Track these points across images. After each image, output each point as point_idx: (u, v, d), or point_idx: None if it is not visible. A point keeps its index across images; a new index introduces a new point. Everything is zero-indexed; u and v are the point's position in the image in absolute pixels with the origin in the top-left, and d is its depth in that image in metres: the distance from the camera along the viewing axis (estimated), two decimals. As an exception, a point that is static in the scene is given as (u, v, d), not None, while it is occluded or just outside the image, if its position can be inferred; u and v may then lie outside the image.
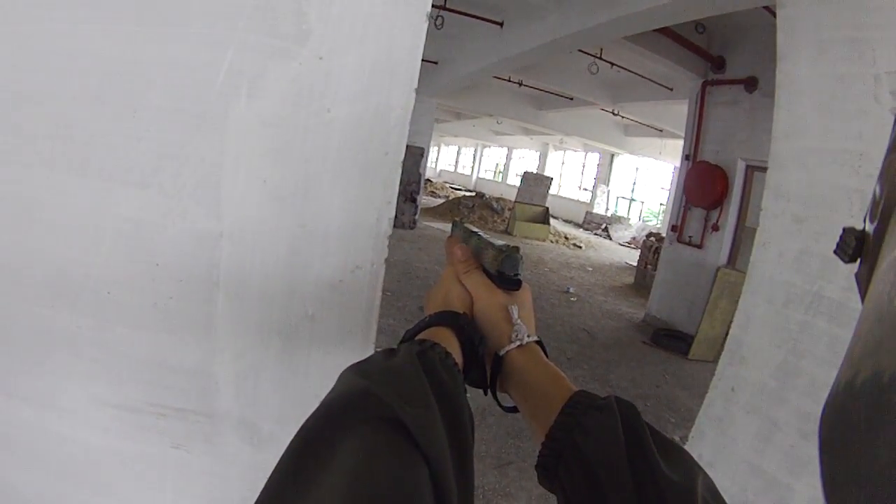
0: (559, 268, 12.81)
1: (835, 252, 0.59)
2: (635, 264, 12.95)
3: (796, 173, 3.49)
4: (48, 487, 1.36)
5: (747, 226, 8.31)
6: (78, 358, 1.22)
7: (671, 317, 9.16)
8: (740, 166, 8.28)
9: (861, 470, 0.34)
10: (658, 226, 18.91)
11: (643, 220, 22.63)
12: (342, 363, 1.32)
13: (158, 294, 1.18)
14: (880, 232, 0.49)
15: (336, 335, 1.29)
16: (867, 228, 0.54)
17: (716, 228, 8.55)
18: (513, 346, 0.89)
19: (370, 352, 1.31)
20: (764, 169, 6.52)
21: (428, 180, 24.24)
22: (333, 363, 1.31)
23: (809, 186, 3.36)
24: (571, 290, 10.84)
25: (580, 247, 16.80)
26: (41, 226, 1.13)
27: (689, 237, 9.01)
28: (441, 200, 22.29)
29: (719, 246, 8.49)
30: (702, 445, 4.25)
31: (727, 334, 4.20)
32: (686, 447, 4.45)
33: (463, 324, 0.89)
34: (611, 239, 20.03)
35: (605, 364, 7.44)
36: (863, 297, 0.50)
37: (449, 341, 0.83)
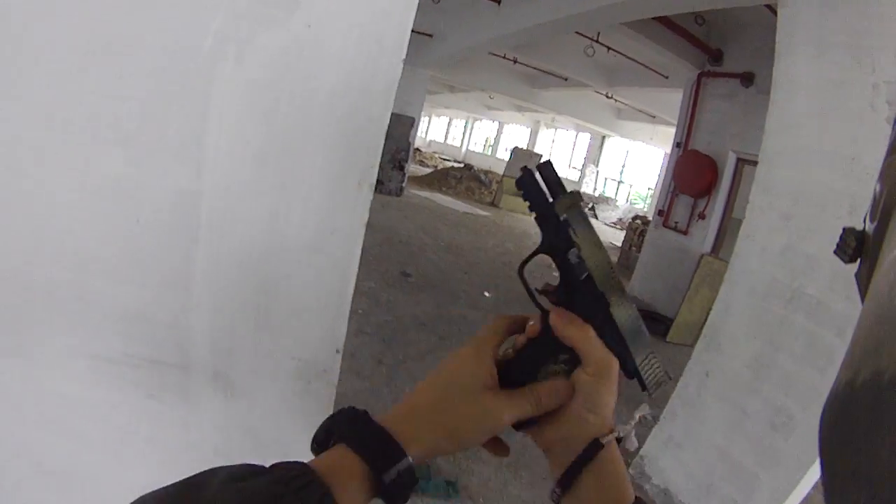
0: (543, 244, 12.75)
1: (835, 252, 0.58)
2: (619, 245, 12.94)
3: (786, 171, 3.54)
4: (25, 436, 1.38)
5: (734, 217, 8.35)
6: (57, 310, 1.23)
7: (652, 299, 9.24)
8: (731, 158, 8.30)
9: (861, 470, 0.33)
10: (645, 209, 18.97)
11: (630, 203, 22.70)
12: (317, 323, 1.34)
13: (138, 249, 1.20)
14: (880, 232, 0.48)
15: (313, 296, 1.30)
16: (867, 228, 0.54)
17: (702, 217, 8.58)
18: (613, 435, 0.72)
19: (345, 313, 1.33)
20: (754, 163, 6.52)
21: (417, 150, 24.10)
22: (308, 322, 1.33)
23: (799, 184, 3.40)
24: (555, 264, 10.77)
25: (565, 226, 16.82)
26: (24, 181, 1.14)
27: (676, 223, 9.05)
28: (429, 170, 22.16)
29: (704, 234, 8.53)
30: (673, 426, 4.36)
31: (706, 321, 4.26)
32: (657, 427, 4.57)
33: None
34: (597, 218, 20.04)
35: (585, 339, 7.48)
36: (863, 297, 0.49)
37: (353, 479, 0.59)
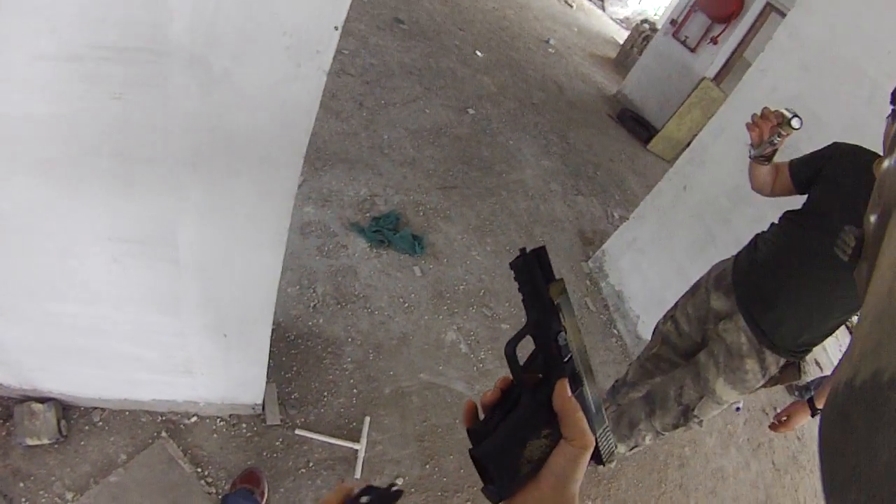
0: (544, 18, 12.19)
1: (834, 250, 0.57)
2: (621, 43, 12.78)
3: (818, 29, 3.43)
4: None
5: (744, 57, 8.14)
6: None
7: (643, 104, 9.25)
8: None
9: (861, 469, 0.34)
10: (655, 16, 18.51)
11: (640, 3, 22.01)
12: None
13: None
14: (880, 231, 0.49)
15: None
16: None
17: (714, 42, 8.31)
18: None
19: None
20: (782, 13, 6.32)
21: None
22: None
23: (826, 47, 3.30)
24: (552, 41, 10.51)
25: (571, 5, 16.07)
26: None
27: (686, 37, 8.76)
28: None
29: (712, 59, 8.31)
30: (639, 228, 4.55)
31: (690, 143, 4.30)
32: (623, 226, 4.75)
33: None
34: (604, 10, 19.41)
35: (566, 120, 7.56)
36: (863, 297, 0.50)
37: None
